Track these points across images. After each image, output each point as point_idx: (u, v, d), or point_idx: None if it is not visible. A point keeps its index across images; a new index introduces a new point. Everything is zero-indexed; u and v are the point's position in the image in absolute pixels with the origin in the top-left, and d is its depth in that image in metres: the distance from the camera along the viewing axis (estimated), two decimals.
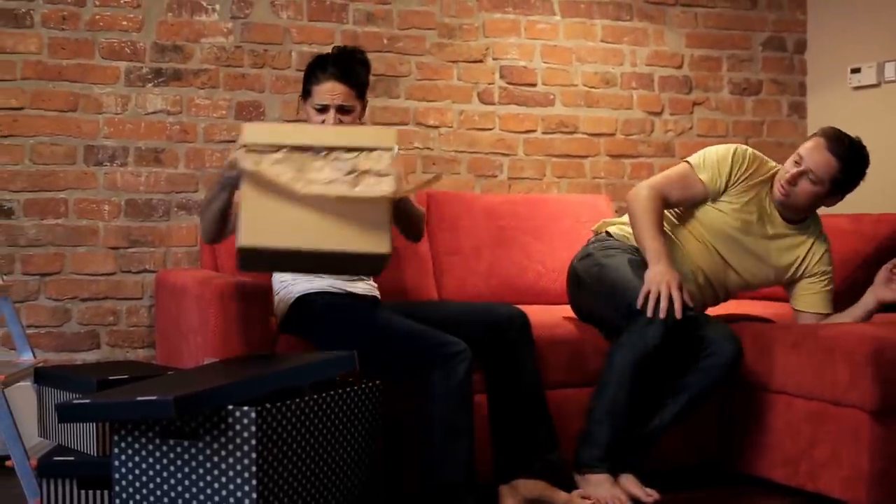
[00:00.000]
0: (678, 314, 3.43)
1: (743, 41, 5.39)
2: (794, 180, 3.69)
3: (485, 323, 3.51)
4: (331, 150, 2.95)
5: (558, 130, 5.04)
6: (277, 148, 2.96)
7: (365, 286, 3.69)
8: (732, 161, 3.77)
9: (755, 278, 3.87)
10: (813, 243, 3.84)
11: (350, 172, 2.90)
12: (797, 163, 3.70)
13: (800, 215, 3.83)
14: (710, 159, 3.79)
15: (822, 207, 3.82)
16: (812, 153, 3.68)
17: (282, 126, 3.05)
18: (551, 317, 3.86)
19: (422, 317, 3.50)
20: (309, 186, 2.93)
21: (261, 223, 2.99)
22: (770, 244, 3.83)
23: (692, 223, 3.83)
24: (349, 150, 2.95)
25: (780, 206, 3.78)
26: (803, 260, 3.83)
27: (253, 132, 3.03)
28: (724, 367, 3.57)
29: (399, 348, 3.33)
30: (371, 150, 2.95)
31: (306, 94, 3.57)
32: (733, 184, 3.77)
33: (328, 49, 4.56)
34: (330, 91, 3.50)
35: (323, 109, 3.51)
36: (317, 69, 3.54)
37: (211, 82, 4.48)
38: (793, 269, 3.84)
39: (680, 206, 3.82)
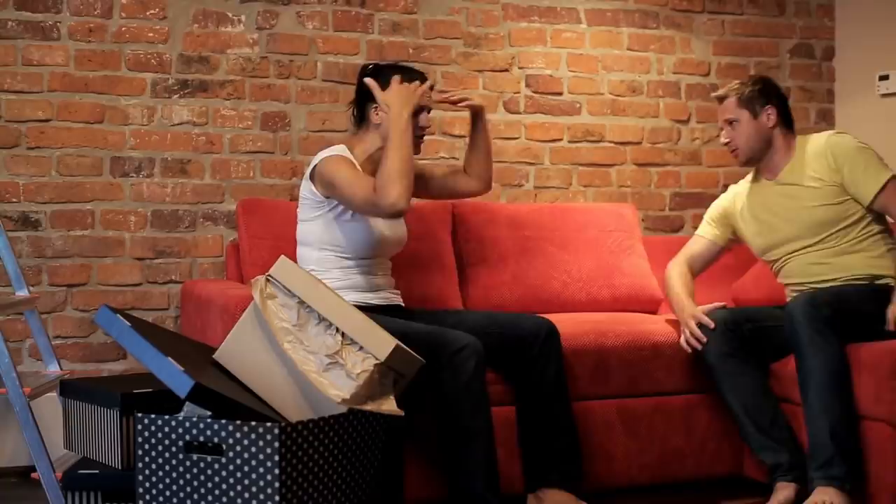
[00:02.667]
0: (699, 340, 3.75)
1: (770, 48, 5.36)
2: (727, 142, 3.88)
3: (508, 335, 3.52)
4: (331, 325, 2.97)
5: (584, 139, 5.03)
6: (293, 295, 3.00)
7: (386, 294, 3.69)
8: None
9: (816, 227, 3.80)
10: (810, 173, 3.80)
11: (332, 354, 2.91)
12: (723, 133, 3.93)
13: (774, 163, 3.88)
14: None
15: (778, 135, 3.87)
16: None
17: (310, 281, 3.05)
18: (576, 327, 3.83)
19: (443, 324, 3.51)
20: (291, 346, 2.94)
21: (238, 352, 3.04)
22: (790, 204, 3.83)
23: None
24: (346, 335, 2.95)
25: (749, 166, 3.95)
26: (827, 183, 3.78)
27: (283, 269, 3.04)
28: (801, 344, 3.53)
29: None
30: (362, 348, 2.94)
31: None
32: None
33: (354, 59, 4.58)
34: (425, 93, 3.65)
35: (421, 109, 3.61)
36: (405, 75, 3.60)
37: (237, 93, 4.50)
38: (836, 197, 3.78)
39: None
